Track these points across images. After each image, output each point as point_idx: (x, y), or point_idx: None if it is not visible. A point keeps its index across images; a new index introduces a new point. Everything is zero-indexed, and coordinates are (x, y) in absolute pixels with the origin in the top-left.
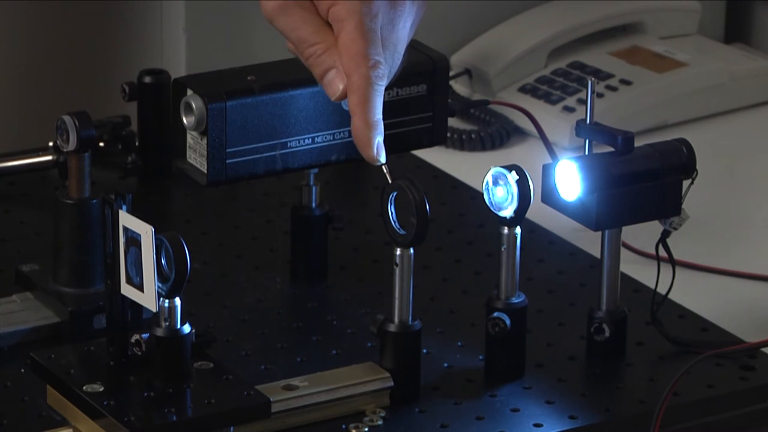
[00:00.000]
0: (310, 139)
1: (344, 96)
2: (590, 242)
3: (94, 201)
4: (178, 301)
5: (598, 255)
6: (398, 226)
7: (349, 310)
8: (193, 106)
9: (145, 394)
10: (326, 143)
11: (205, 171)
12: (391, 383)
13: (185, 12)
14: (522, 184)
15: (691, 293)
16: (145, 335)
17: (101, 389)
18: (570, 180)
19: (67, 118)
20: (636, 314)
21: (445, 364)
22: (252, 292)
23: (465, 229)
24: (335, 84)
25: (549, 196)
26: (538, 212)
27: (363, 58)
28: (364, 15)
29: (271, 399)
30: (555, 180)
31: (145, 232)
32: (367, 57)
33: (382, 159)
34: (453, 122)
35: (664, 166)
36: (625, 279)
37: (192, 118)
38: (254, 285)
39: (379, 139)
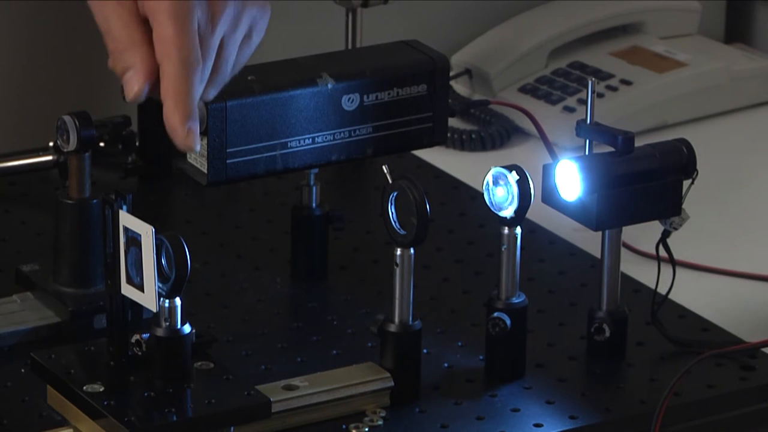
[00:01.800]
0: (310, 139)
1: (137, 97)
2: (590, 242)
3: (95, 201)
4: (178, 301)
5: (598, 255)
6: (398, 226)
7: (349, 310)
8: None
9: (146, 394)
10: (326, 143)
11: (206, 171)
12: (392, 383)
13: None
14: (522, 184)
15: (691, 293)
16: (146, 335)
17: (101, 389)
18: (570, 180)
19: (67, 118)
20: (636, 314)
21: (445, 364)
22: (252, 292)
23: (465, 229)
24: (131, 84)
25: (549, 196)
26: (538, 212)
27: (173, 45)
28: (177, 7)
29: (271, 399)
30: (555, 180)
31: (146, 232)
32: (177, 44)
33: (197, 147)
34: (453, 122)
35: (664, 166)
36: (625, 279)
37: None
38: (254, 285)
39: (190, 125)
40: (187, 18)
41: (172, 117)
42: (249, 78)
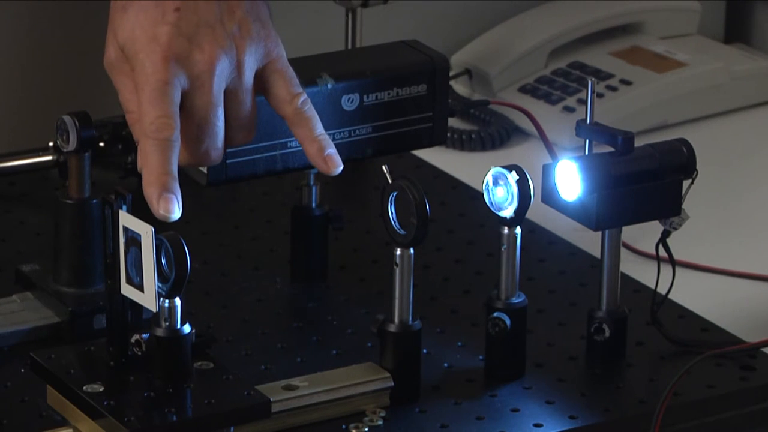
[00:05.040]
0: None
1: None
2: (590, 242)
3: (94, 201)
4: (178, 301)
5: (598, 255)
6: (398, 226)
7: (349, 310)
8: None
9: (146, 394)
10: None
11: (205, 171)
12: (391, 383)
13: None
14: (522, 184)
15: (691, 293)
16: (145, 335)
17: (101, 389)
18: (570, 180)
19: (67, 118)
20: (636, 314)
21: (445, 364)
22: (252, 292)
23: (465, 229)
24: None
25: (549, 196)
26: (538, 212)
27: (151, 125)
28: (154, 86)
29: (271, 399)
30: (555, 180)
31: (145, 232)
32: (155, 125)
33: (173, 216)
34: (453, 122)
35: (664, 166)
36: (625, 279)
37: None
38: (254, 285)
39: (166, 196)
40: (165, 97)
41: (148, 189)
42: None
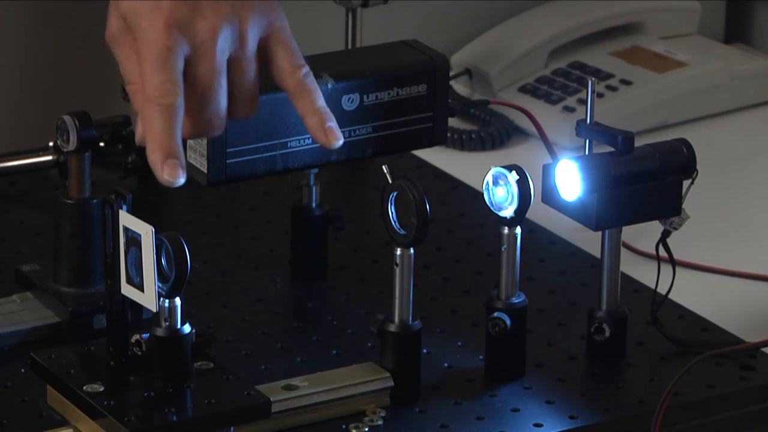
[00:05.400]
0: (310, 139)
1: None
2: (590, 242)
3: (94, 201)
4: (178, 301)
5: (598, 255)
6: (398, 226)
7: (349, 310)
8: None
9: (146, 394)
10: None
11: (206, 171)
12: (391, 383)
13: None
14: (522, 184)
15: (691, 293)
16: (145, 335)
17: (101, 389)
18: (570, 180)
19: (67, 118)
20: (636, 314)
21: (445, 364)
22: (252, 292)
23: (465, 229)
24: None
25: (549, 196)
26: (538, 212)
27: (154, 92)
28: (157, 52)
29: (271, 399)
30: (555, 180)
31: (145, 232)
32: (158, 91)
33: (179, 181)
34: (453, 122)
35: (664, 166)
36: (625, 279)
37: None
38: (254, 285)
39: (171, 162)
40: (168, 64)
41: (152, 155)
42: None
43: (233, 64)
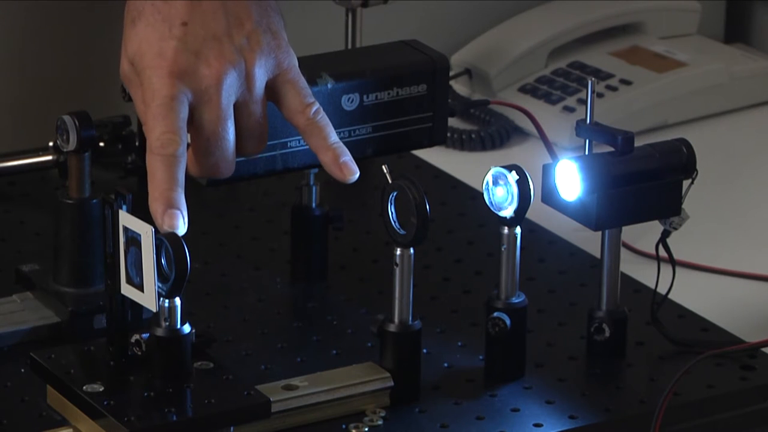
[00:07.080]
0: None
1: None
2: (590, 242)
3: (94, 201)
4: (178, 301)
5: (598, 255)
6: (398, 226)
7: (349, 310)
8: None
9: (145, 394)
10: None
11: None
12: (391, 383)
13: None
14: (522, 184)
15: (691, 293)
16: (145, 335)
17: (101, 389)
18: (570, 180)
19: (67, 118)
20: (636, 314)
21: (445, 364)
22: (252, 292)
23: (465, 229)
24: None
25: (549, 196)
26: (538, 212)
27: (156, 141)
28: (160, 103)
29: (270, 399)
30: (555, 180)
31: (145, 232)
32: (160, 141)
33: (180, 231)
34: (453, 122)
35: (664, 166)
36: (625, 279)
37: None
38: (254, 285)
39: (170, 212)
40: (171, 113)
41: (153, 204)
42: None
43: (240, 107)
